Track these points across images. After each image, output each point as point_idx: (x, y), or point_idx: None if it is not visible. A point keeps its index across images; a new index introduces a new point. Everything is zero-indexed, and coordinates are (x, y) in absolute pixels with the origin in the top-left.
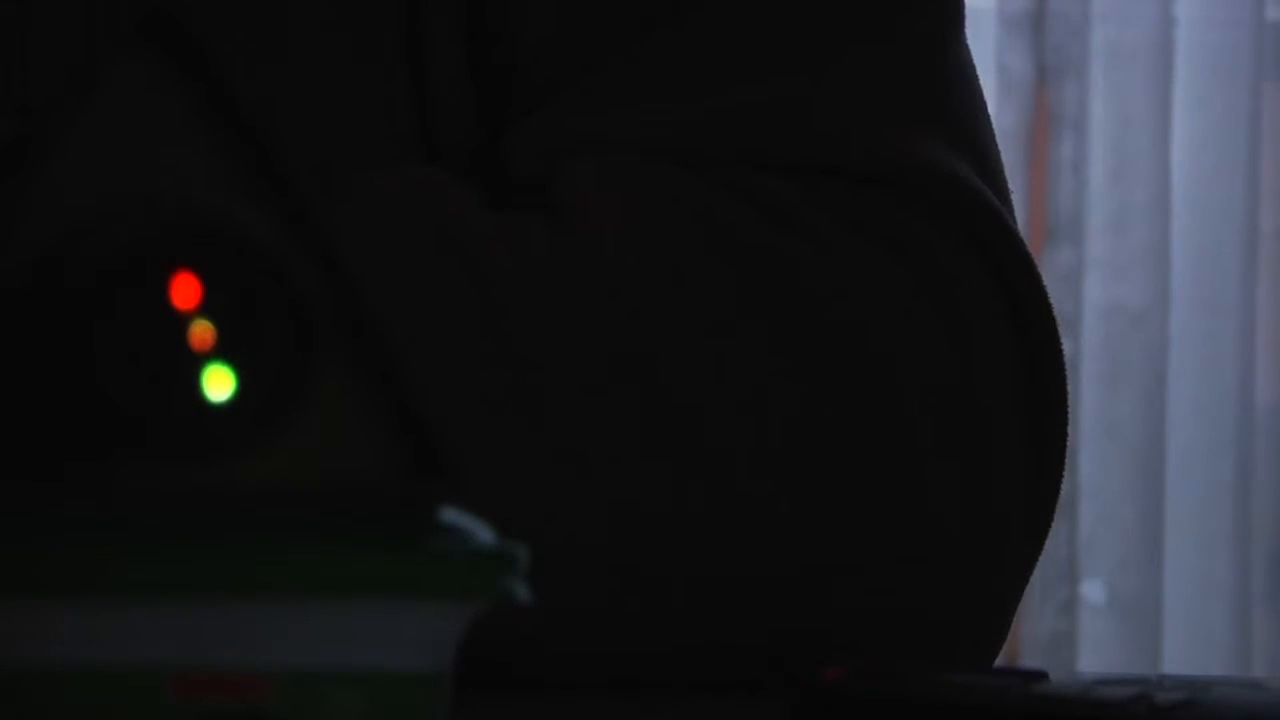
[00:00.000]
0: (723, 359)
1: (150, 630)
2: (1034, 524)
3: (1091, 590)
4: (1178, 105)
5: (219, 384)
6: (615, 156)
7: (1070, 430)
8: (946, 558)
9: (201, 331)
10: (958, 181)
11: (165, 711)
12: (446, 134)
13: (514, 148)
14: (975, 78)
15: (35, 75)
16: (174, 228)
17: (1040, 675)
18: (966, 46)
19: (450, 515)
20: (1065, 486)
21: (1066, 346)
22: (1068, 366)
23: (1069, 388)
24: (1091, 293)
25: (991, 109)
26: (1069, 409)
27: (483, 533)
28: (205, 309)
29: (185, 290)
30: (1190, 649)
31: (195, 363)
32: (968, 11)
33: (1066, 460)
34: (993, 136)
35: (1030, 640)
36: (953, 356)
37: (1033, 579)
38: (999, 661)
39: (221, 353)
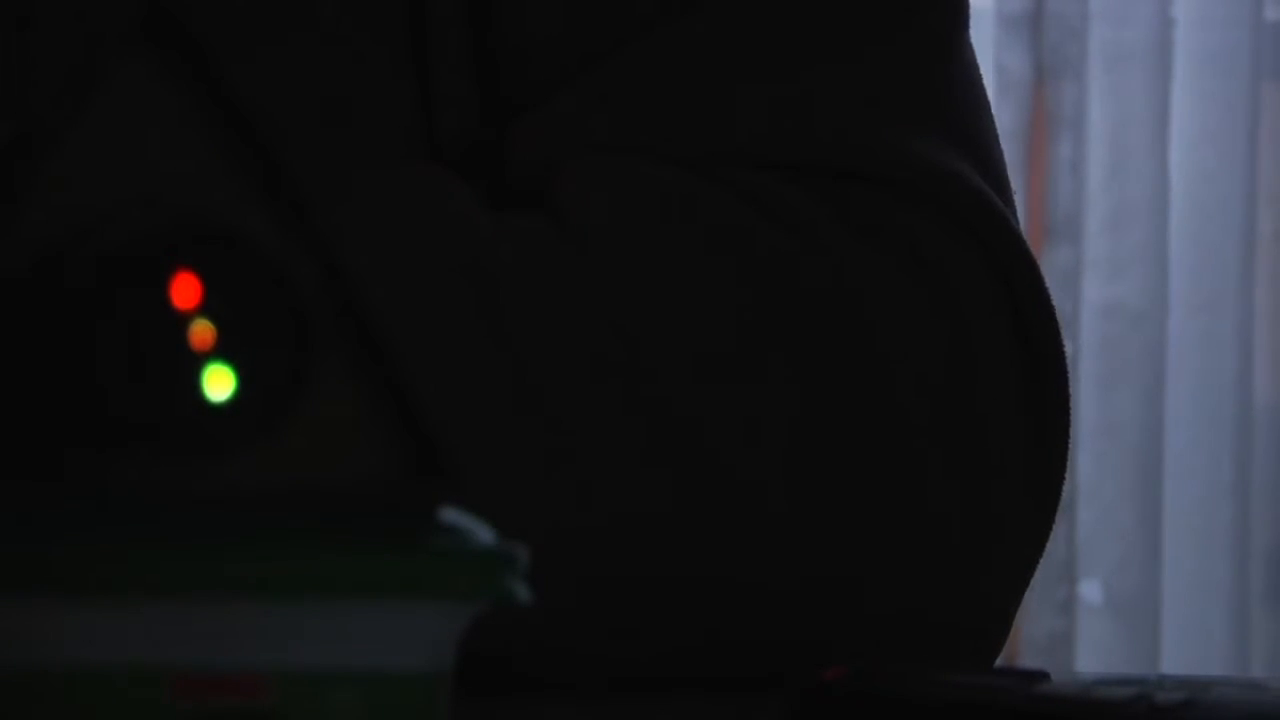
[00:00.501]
0: (723, 360)
1: (150, 630)
2: (1034, 525)
3: (1090, 590)
4: (1176, 105)
5: (219, 384)
6: (617, 156)
7: (1070, 431)
8: (947, 559)
9: (201, 331)
10: (960, 182)
11: (165, 711)
12: (448, 133)
13: (515, 147)
14: (979, 78)
15: (35, 75)
16: (174, 228)
17: (1040, 675)
18: (971, 47)
19: (450, 515)
20: (1065, 486)
21: (1065, 346)
22: (1067, 367)
23: (1069, 387)
24: (1090, 293)
25: (991, 108)
26: (1070, 410)
27: (483, 533)
28: (205, 309)
29: (185, 290)
30: (1189, 649)
31: (195, 363)
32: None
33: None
34: (995, 137)
35: (1029, 640)
36: (954, 357)
37: (1032, 579)
38: (999, 661)
39: (221, 353)
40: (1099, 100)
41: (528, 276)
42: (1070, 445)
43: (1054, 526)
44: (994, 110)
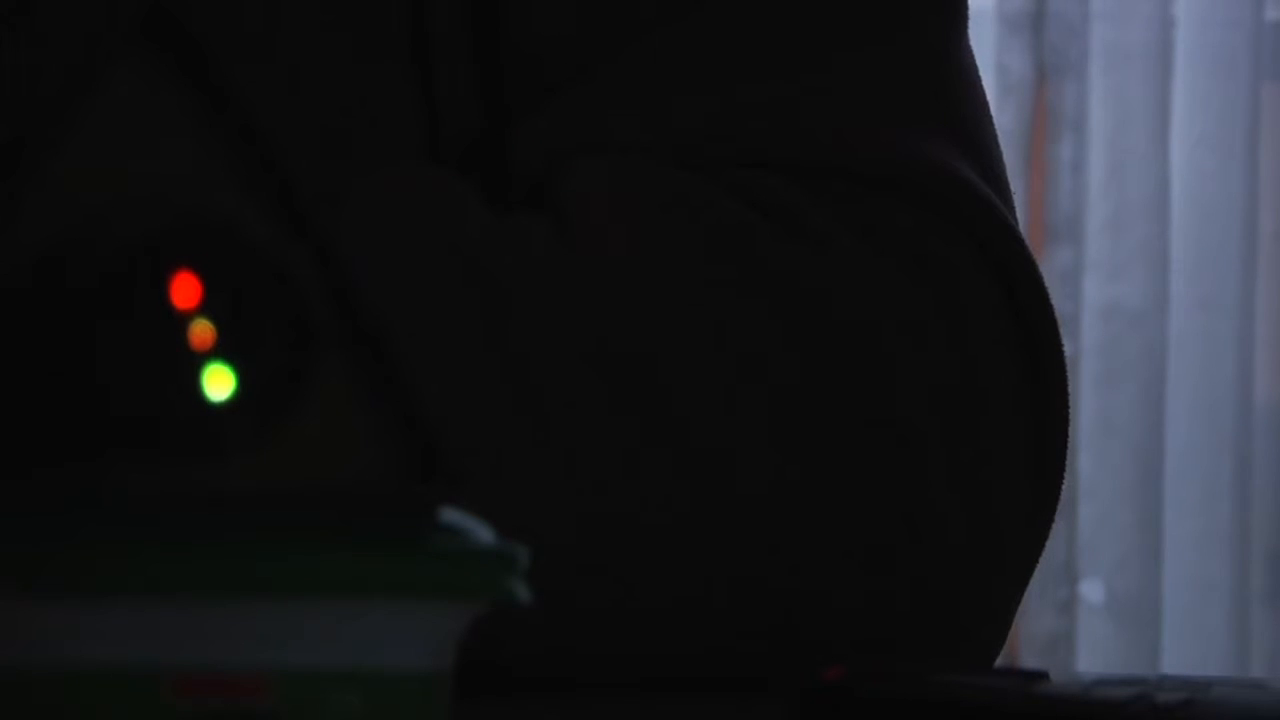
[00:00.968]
0: (724, 360)
1: (150, 630)
2: (1034, 525)
3: (1090, 590)
4: (1177, 105)
5: (219, 384)
6: (618, 157)
7: (1070, 431)
8: (947, 558)
9: (201, 331)
10: (960, 183)
11: (165, 711)
12: (450, 133)
13: (516, 147)
14: (978, 79)
15: (35, 75)
16: (174, 227)
17: (1040, 675)
18: (970, 48)
19: (450, 516)
20: (1065, 486)
21: (1065, 347)
22: (1067, 367)
23: (1069, 388)
24: (1090, 293)
25: (990, 109)
26: (1070, 410)
27: (483, 533)
28: (205, 309)
29: (185, 290)
30: (1189, 649)
31: (195, 363)
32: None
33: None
34: (995, 138)
35: (1029, 640)
36: (954, 357)
37: (1032, 579)
38: (999, 661)
39: (221, 353)
40: (1100, 101)
41: (528, 277)
42: (1070, 445)
43: (1054, 526)
44: (995, 110)
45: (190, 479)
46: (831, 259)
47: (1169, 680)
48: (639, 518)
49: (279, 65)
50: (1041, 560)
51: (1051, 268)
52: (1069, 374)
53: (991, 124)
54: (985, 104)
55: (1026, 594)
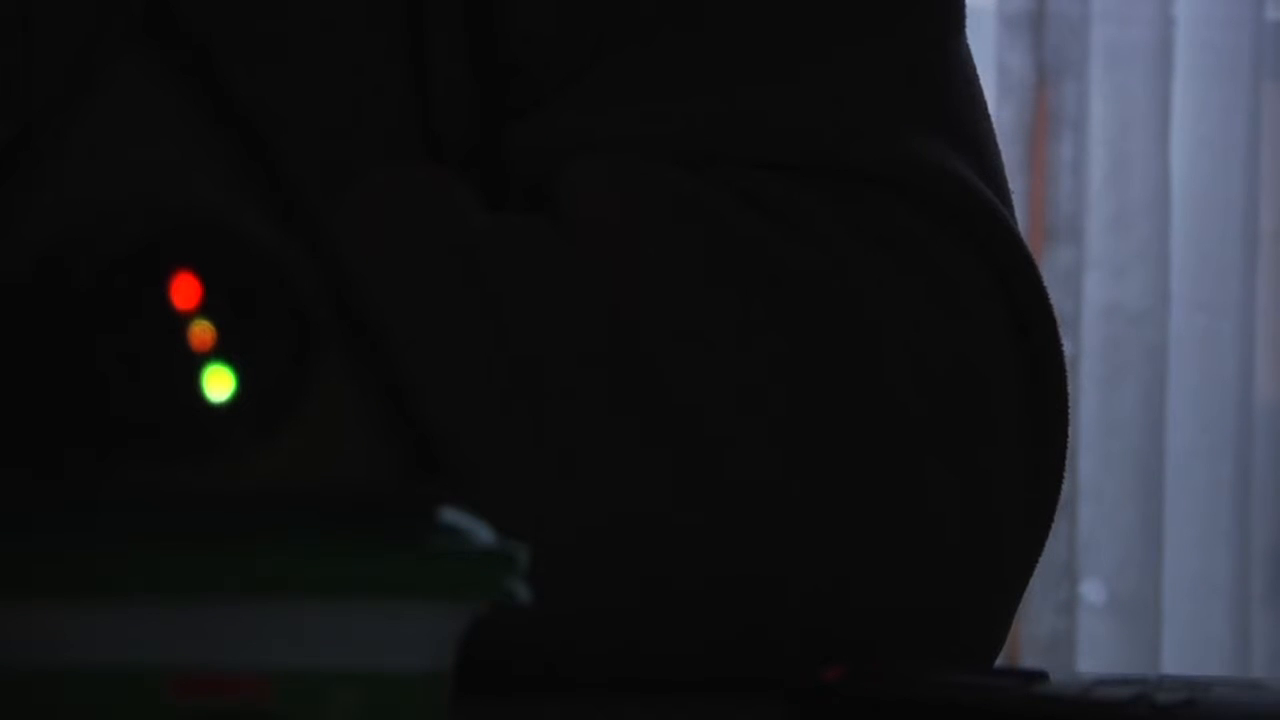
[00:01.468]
0: (723, 359)
1: (150, 630)
2: (1034, 525)
3: (1091, 590)
4: (1177, 105)
5: (219, 384)
6: (615, 156)
7: (1070, 431)
8: (946, 558)
9: (201, 332)
10: (958, 182)
11: (165, 711)
12: (447, 133)
13: (514, 147)
14: (976, 78)
15: (35, 75)
16: (174, 228)
17: (1040, 675)
18: (967, 46)
19: (450, 515)
20: (1065, 486)
21: (1066, 346)
22: (1067, 367)
23: (1069, 388)
24: (1091, 293)
25: (991, 109)
26: (1069, 410)
27: (483, 533)
28: (205, 309)
29: (185, 290)
30: (1189, 649)
31: (195, 363)
32: (968, 12)
33: (1066, 461)
34: (993, 136)
35: (1030, 640)
36: (953, 357)
37: (1032, 579)
38: (999, 661)
39: (221, 353)
40: (1100, 100)
41: (527, 276)
42: (1070, 445)
43: (1054, 526)
44: (995, 110)
45: (190, 479)
46: (831, 258)
47: (1169, 680)
48: (638, 513)
49: (279, 65)
50: (1041, 560)
51: (1051, 268)
52: (1069, 374)
53: (989, 123)
54: (983, 103)
55: (1026, 594)
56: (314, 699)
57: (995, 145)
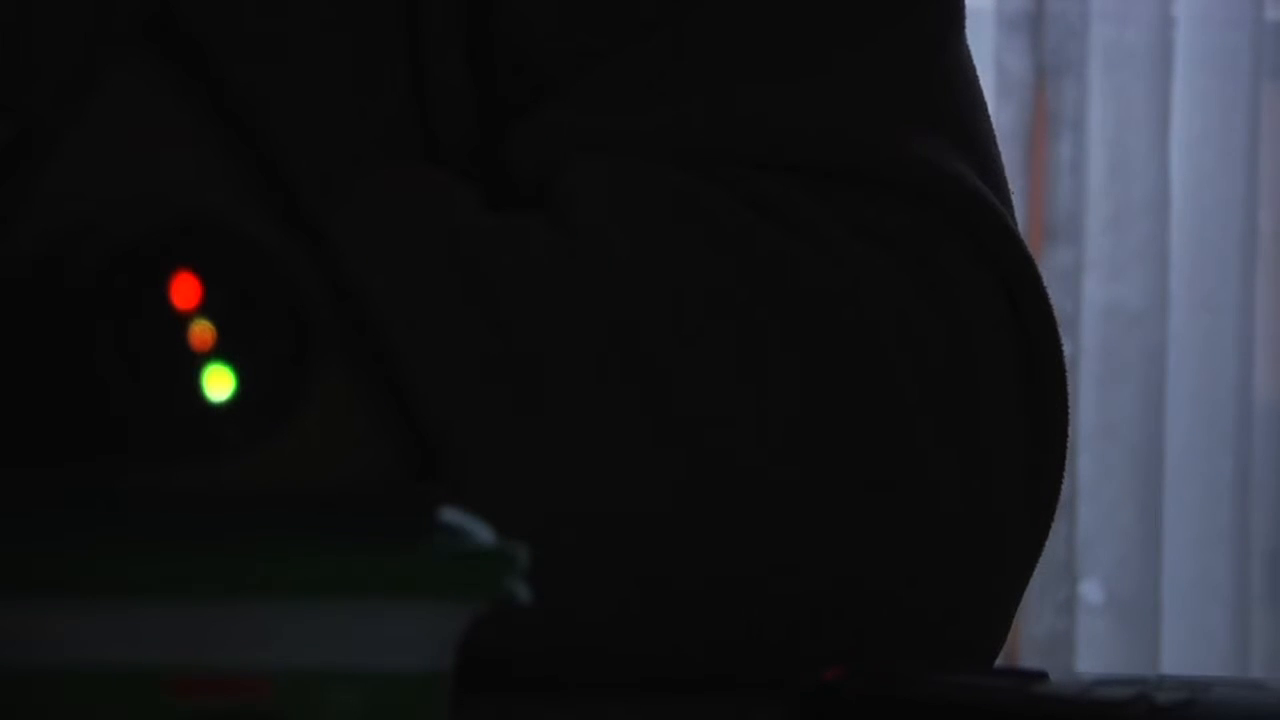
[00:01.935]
0: (723, 360)
1: (150, 630)
2: (1034, 524)
3: (1090, 590)
4: (1177, 105)
5: (219, 384)
6: (615, 157)
7: (1070, 431)
8: (947, 558)
9: (201, 331)
10: (958, 182)
11: (165, 711)
12: (446, 134)
13: (514, 148)
14: (975, 78)
15: (36, 76)
16: (174, 228)
17: (1040, 675)
18: (967, 47)
19: (450, 515)
20: (1065, 486)
21: (1065, 346)
22: (1067, 367)
23: (1068, 388)
24: (1090, 293)
25: (990, 109)
26: (1069, 410)
27: (483, 533)
28: (205, 309)
29: (185, 290)
30: (1189, 649)
31: (195, 363)
32: (967, 12)
33: (1066, 460)
34: (993, 137)
35: (1029, 640)
36: (953, 357)
37: (1032, 579)
38: (999, 661)
39: (221, 353)
40: (1099, 100)
41: (527, 276)
42: (1069, 445)
43: (1054, 526)
44: (994, 110)
45: (190, 479)
46: (830, 258)
47: (1169, 680)
48: (638, 514)
49: (278, 65)
50: (1041, 560)
51: (1051, 268)
52: (1069, 374)
53: (989, 123)
54: (983, 103)
55: (1026, 594)
56: (314, 699)
57: (995, 146)
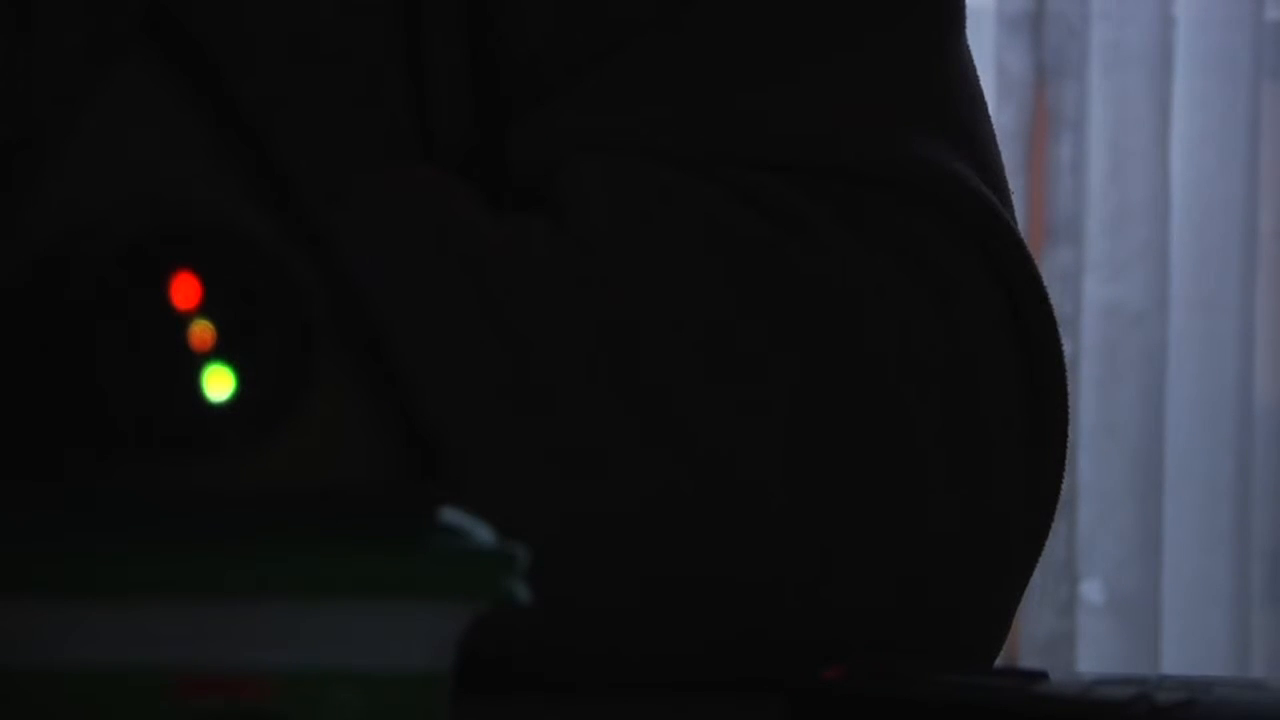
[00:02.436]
0: (722, 359)
1: (150, 630)
2: (1034, 525)
3: (1090, 590)
4: (1177, 105)
5: (219, 384)
6: (615, 157)
7: (1070, 431)
8: (947, 558)
9: (201, 331)
10: (959, 183)
11: (165, 711)
12: (446, 134)
13: (514, 148)
14: (976, 78)
15: (35, 75)
16: (174, 228)
17: (1040, 675)
18: (967, 47)
19: (450, 516)
20: (1065, 486)
21: (1065, 347)
22: (1067, 367)
23: (1068, 388)
24: (1090, 293)
25: (990, 109)
26: (1069, 410)
27: (483, 533)
28: (205, 309)
29: (185, 290)
30: (1189, 649)
31: (195, 363)
32: (967, 12)
33: (1066, 461)
34: (993, 137)
35: (1029, 640)
36: (953, 358)
37: (1032, 579)
38: (999, 661)
39: (221, 353)
40: (1100, 101)
41: (527, 276)
42: (1070, 445)
43: (1054, 526)
44: (994, 110)
45: (190, 479)
46: (830, 258)
47: (1169, 680)
48: (637, 515)
49: (279, 66)
50: (1041, 560)
51: (1051, 268)
52: (1069, 374)
53: (989, 123)
54: (983, 103)
55: (1026, 594)
56: (314, 699)
57: (995, 146)
